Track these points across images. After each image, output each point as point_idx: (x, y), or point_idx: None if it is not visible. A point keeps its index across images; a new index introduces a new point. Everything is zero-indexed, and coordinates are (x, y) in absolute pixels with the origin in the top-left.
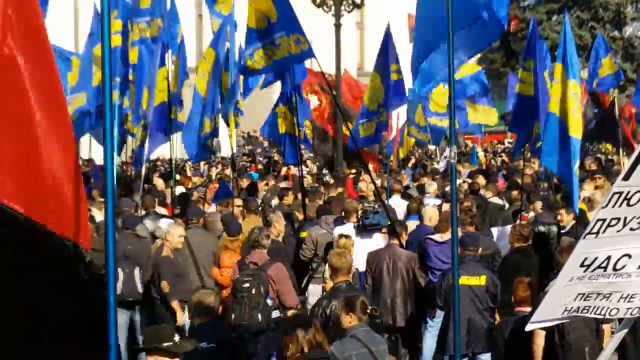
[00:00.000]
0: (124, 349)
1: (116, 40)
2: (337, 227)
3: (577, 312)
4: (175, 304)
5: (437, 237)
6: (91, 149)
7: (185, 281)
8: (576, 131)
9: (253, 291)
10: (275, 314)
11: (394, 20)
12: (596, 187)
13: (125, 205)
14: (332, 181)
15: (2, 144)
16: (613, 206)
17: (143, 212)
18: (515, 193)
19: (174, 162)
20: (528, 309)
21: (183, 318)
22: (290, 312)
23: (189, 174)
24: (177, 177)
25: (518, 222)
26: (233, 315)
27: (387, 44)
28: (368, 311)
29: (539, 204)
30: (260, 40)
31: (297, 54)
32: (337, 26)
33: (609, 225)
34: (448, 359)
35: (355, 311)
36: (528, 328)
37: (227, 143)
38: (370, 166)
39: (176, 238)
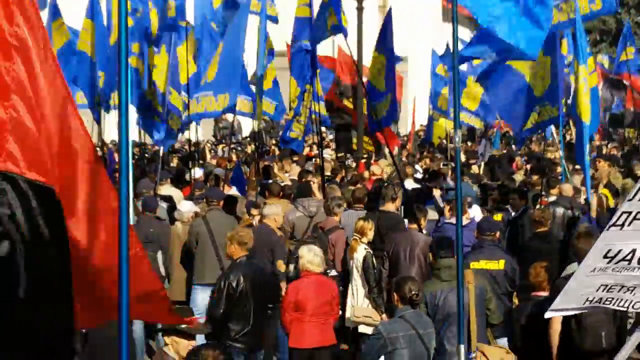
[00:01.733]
0: (141, 330)
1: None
2: (345, 212)
3: (599, 302)
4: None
5: (455, 220)
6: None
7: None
8: (585, 116)
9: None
10: (332, 272)
11: (416, 2)
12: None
13: (145, 187)
14: (353, 164)
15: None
16: None
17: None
18: (535, 178)
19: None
20: (544, 294)
21: None
22: None
23: (208, 156)
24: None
25: (537, 207)
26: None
27: (387, 27)
28: (411, 295)
29: (557, 189)
30: None
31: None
32: (360, 9)
33: (635, 219)
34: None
35: (401, 292)
36: (547, 315)
37: (247, 124)
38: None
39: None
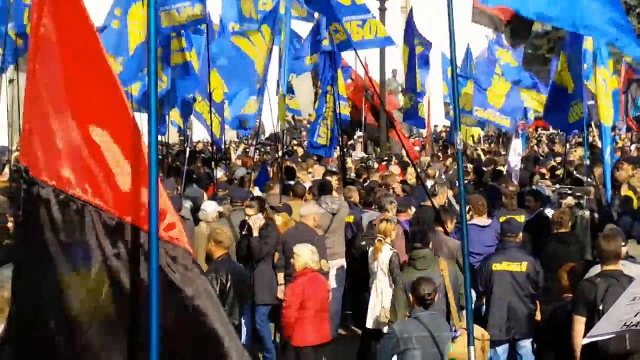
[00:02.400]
0: None
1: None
2: (366, 213)
3: (636, 326)
4: None
5: (478, 221)
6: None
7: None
8: (606, 118)
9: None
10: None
11: (439, 3)
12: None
13: (169, 188)
14: (375, 165)
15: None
16: None
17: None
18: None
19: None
20: (570, 296)
21: None
22: None
23: (233, 156)
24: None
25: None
26: None
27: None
28: (423, 297)
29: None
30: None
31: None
32: (382, 10)
33: None
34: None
35: (416, 294)
36: (585, 341)
37: (269, 124)
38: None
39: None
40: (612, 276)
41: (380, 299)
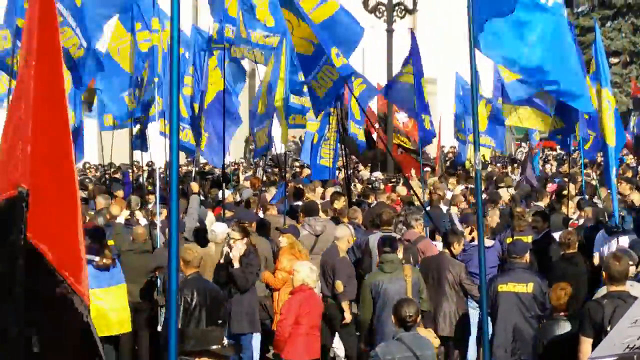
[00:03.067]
0: None
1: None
2: (372, 235)
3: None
4: (345, 304)
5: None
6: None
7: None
8: (611, 139)
9: (403, 262)
10: None
11: (447, 25)
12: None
13: None
14: (382, 186)
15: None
16: None
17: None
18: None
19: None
20: (563, 314)
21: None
22: None
23: (241, 177)
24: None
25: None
26: None
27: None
28: (403, 317)
29: (590, 211)
30: (316, 64)
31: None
32: (389, 32)
33: None
34: None
35: (397, 315)
36: None
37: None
38: (411, 171)
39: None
40: (619, 297)
41: None
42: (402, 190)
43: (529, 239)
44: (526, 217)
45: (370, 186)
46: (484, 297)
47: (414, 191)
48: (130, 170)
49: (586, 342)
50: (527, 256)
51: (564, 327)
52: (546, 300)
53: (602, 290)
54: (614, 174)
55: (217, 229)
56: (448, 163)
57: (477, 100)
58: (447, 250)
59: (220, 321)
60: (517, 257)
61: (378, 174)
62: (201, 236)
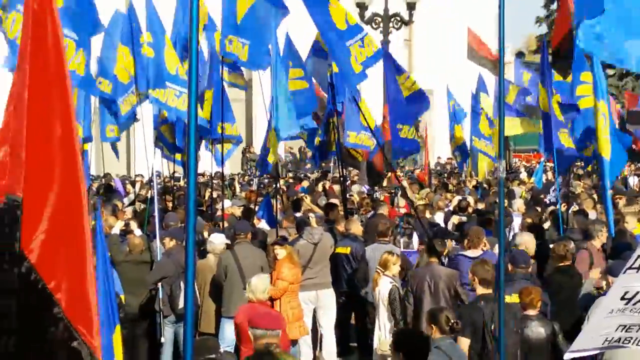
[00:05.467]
0: None
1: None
2: (370, 246)
3: (618, 342)
4: None
5: (468, 252)
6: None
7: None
8: (606, 152)
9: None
10: None
11: (442, 36)
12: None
13: (172, 220)
14: (382, 197)
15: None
16: None
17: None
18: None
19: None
20: (533, 312)
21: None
22: None
23: (237, 188)
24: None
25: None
26: None
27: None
28: (450, 324)
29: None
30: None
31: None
32: (385, 43)
33: None
34: None
35: (438, 323)
36: (567, 357)
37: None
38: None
39: None
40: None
41: (383, 332)
42: (400, 201)
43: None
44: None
45: (369, 195)
46: (502, 308)
47: (411, 203)
48: (126, 181)
49: (464, 342)
50: (530, 266)
51: (535, 327)
52: (547, 311)
53: (600, 301)
54: (609, 187)
55: (216, 240)
56: (446, 175)
57: (504, 110)
58: (436, 260)
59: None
60: (523, 267)
61: (356, 187)
62: (199, 247)
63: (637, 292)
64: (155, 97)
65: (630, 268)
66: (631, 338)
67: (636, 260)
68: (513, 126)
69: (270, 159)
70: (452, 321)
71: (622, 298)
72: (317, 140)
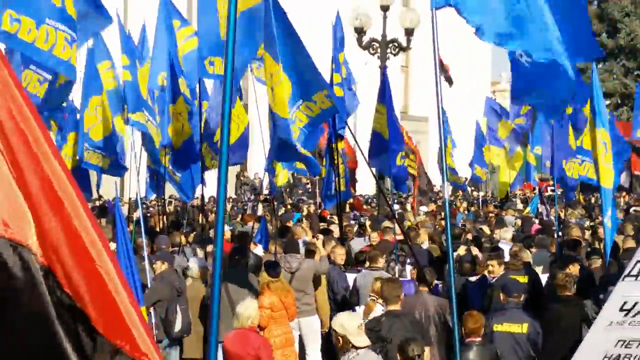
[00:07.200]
0: None
1: (125, 75)
2: (360, 273)
3: (617, 359)
4: None
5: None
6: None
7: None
8: (606, 181)
9: None
10: None
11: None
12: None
13: (163, 243)
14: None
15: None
16: None
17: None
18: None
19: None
20: (477, 339)
21: None
22: None
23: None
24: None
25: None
26: None
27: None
28: (412, 356)
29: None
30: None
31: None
32: (383, 68)
33: None
34: None
35: (404, 354)
36: None
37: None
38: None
39: None
40: (395, 315)
41: None
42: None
43: (525, 278)
44: (522, 255)
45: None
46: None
47: (402, 228)
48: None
49: None
50: (523, 296)
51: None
52: (539, 340)
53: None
54: (608, 216)
55: (192, 265)
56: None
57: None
58: (425, 288)
59: None
60: (516, 297)
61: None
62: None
63: (636, 303)
64: (135, 120)
65: (628, 275)
66: (631, 355)
67: (634, 266)
68: (497, 155)
69: (279, 182)
70: (416, 354)
71: (621, 309)
72: (322, 171)
